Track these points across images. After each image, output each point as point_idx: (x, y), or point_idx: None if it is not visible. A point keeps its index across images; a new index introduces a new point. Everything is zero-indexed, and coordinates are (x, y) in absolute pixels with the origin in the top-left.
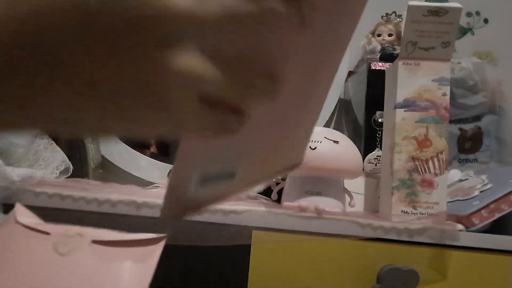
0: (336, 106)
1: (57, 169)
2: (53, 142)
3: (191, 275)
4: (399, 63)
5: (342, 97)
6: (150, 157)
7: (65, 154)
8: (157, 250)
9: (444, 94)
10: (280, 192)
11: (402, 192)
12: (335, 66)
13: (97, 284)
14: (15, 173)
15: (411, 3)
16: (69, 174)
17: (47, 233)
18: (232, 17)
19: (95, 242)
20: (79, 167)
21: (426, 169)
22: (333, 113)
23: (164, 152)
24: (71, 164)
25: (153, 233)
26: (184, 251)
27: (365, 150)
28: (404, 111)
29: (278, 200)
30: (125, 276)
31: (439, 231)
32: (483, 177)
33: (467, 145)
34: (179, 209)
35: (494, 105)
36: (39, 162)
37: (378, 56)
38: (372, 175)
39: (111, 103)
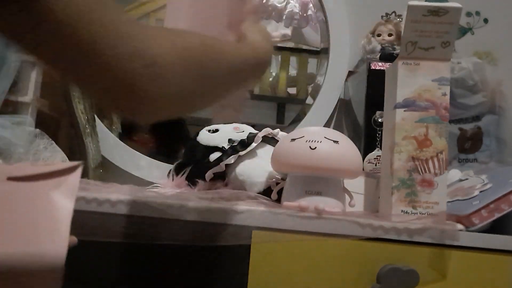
0: (336, 106)
1: None
2: (53, 142)
3: (191, 275)
4: (399, 63)
5: (342, 97)
6: (149, 156)
7: (65, 154)
8: (75, 177)
9: (444, 94)
10: (280, 192)
11: (402, 192)
12: None
13: (21, 220)
14: None
15: (411, 3)
16: None
17: None
18: None
19: (10, 179)
20: None
21: (426, 169)
22: (333, 113)
23: (164, 152)
24: None
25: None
26: (184, 251)
27: (365, 150)
28: (404, 111)
29: (278, 200)
30: (49, 208)
31: (439, 231)
32: (483, 177)
33: (467, 145)
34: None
35: (494, 105)
36: (39, 162)
37: (378, 56)
38: (372, 175)
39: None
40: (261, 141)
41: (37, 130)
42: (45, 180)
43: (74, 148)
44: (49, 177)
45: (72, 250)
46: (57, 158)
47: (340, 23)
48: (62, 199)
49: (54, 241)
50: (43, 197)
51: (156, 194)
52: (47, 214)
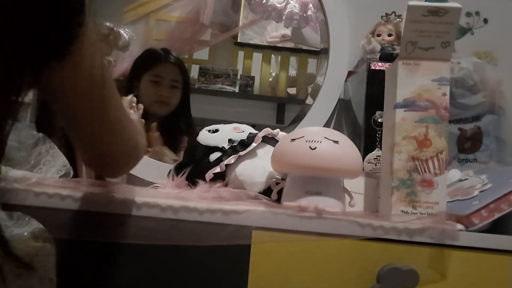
0: (336, 106)
1: (57, 174)
2: (55, 147)
3: (191, 275)
4: (399, 63)
5: (342, 97)
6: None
7: (65, 153)
8: None
9: (444, 94)
10: (280, 192)
11: (402, 192)
12: None
13: None
14: (12, 174)
15: (411, 3)
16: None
17: None
18: None
19: None
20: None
21: (426, 169)
22: (333, 113)
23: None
24: (71, 169)
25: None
26: (184, 251)
27: (365, 150)
28: (404, 111)
29: (278, 200)
30: None
31: (439, 231)
32: (483, 177)
33: (467, 145)
34: None
35: (493, 105)
36: (40, 166)
37: (378, 56)
38: (372, 175)
39: None
40: (261, 141)
41: (40, 134)
42: None
43: (73, 148)
44: None
45: (71, 250)
46: (58, 163)
47: (340, 23)
48: None
49: None
50: None
51: (156, 194)
52: None
